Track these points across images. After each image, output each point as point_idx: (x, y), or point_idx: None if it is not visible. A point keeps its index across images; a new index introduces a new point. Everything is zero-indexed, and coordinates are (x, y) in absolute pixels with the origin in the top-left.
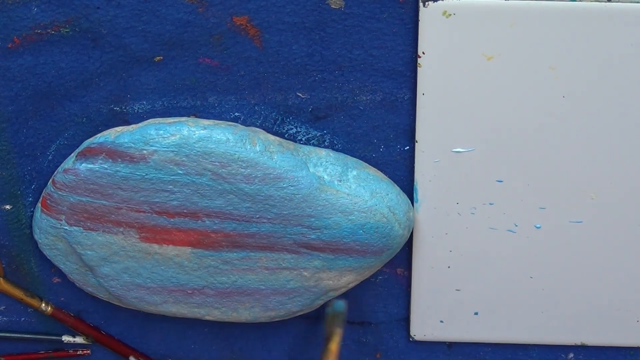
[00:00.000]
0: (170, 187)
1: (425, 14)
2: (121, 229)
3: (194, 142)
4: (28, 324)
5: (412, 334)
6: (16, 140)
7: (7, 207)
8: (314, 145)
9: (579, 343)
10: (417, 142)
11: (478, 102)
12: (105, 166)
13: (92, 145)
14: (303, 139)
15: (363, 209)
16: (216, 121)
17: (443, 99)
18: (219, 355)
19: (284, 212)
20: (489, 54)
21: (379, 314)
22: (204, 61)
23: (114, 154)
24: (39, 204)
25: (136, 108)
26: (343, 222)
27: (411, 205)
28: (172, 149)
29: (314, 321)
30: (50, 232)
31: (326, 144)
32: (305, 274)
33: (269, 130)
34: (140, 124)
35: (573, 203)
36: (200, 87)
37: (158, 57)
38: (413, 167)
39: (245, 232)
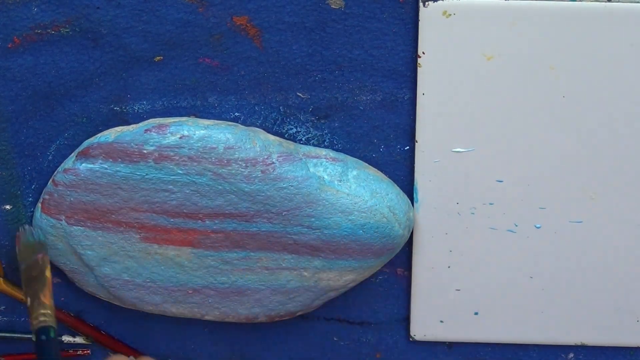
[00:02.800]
0: (170, 187)
1: (425, 14)
2: (121, 229)
3: (194, 142)
4: (28, 324)
5: (412, 334)
6: (16, 140)
7: (7, 207)
8: (314, 145)
9: (579, 343)
10: (417, 142)
11: (478, 102)
12: (105, 166)
13: (92, 145)
14: (303, 139)
15: (363, 209)
16: (216, 121)
17: (443, 99)
18: (219, 355)
19: (284, 212)
20: (489, 54)
21: (379, 314)
22: (204, 61)
23: (114, 154)
24: (39, 204)
25: (136, 108)
26: (343, 222)
27: (411, 205)
28: (172, 149)
29: (314, 321)
30: (50, 232)
31: (326, 144)
32: (305, 274)
33: (269, 130)
34: (140, 124)
35: (573, 203)
36: (200, 87)
37: (158, 57)
38: (413, 167)
39: (245, 232)
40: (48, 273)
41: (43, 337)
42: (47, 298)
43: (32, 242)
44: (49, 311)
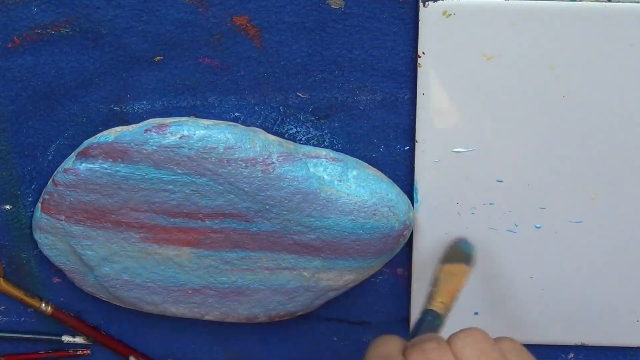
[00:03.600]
0: (170, 187)
1: (425, 14)
2: (121, 229)
3: (194, 142)
4: (28, 324)
5: None
6: (16, 140)
7: (7, 207)
8: (314, 145)
9: (579, 343)
10: (417, 142)
11: (478, 102)
12: (105, 166)
13: (92, 145)
14: (303, 139)
15: (363, 209)
16: (216, 121)
17: (443, 99)
18: (219, 355)
19: (284, 212)
20: (489, 54)
21: (379, 314)
22: (204, 61)
23: (114, 153)
24: (39, 204)
25: (136, 108)
26: (343, 222)
27: (411, 205)
28: (172, 149)
29: (314, 321)
30: (50, 232)
31: (326, 144)
32: (305, 274)
33: (269, 130)
34: (140, 124)
35: (573, 203)
36: (200, 87)
37: (158, 57)
38: (413, 167)
39: (245, 232)
40: (462, 281)
41: (428, 318)
42: (450, 296)
43: (464, 252)
44: (445, 305)
